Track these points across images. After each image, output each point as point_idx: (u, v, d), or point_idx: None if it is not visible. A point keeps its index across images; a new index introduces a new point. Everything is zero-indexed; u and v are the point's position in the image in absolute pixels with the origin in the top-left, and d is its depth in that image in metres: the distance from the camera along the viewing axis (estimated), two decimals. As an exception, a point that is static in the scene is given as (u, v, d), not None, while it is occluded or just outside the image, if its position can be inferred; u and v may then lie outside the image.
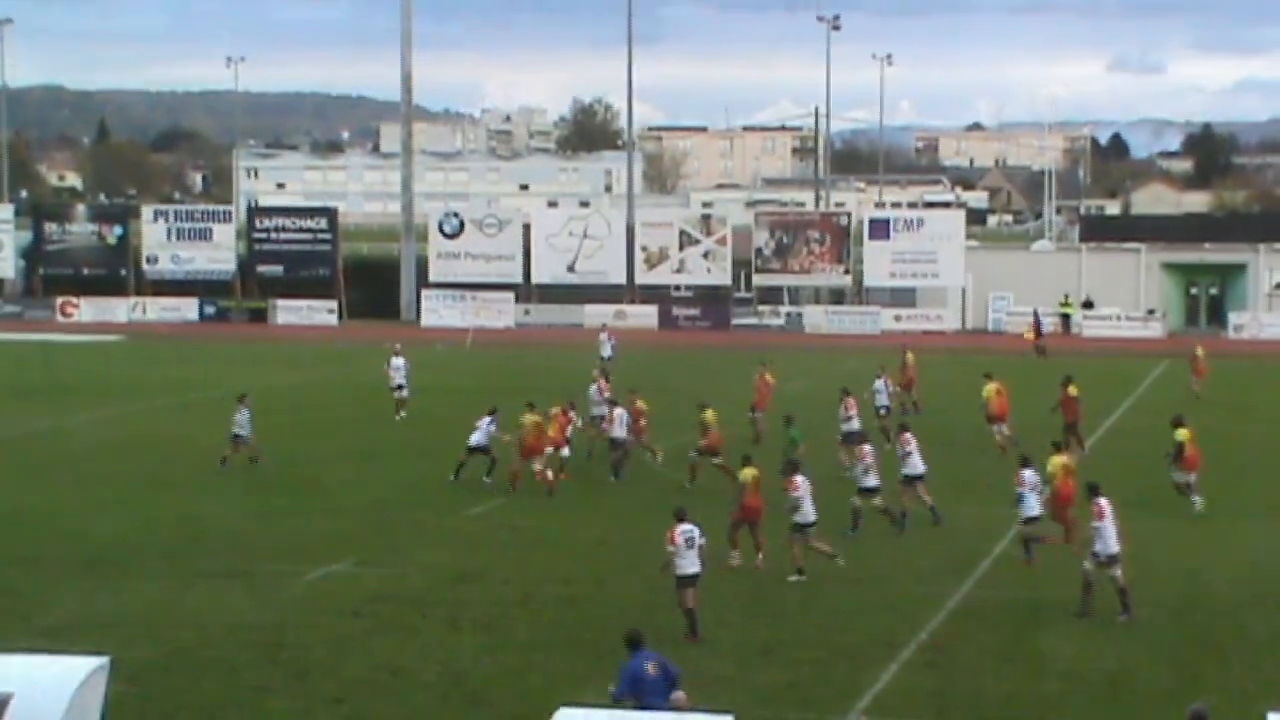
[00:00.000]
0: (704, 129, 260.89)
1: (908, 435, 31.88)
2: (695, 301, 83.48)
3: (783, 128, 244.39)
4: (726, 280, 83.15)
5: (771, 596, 25.95)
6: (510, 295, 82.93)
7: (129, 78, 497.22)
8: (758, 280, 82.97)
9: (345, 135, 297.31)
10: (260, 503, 33.71)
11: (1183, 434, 33.20)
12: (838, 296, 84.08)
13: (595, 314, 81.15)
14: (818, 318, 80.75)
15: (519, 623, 24.30)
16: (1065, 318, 78.60)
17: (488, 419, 35.69)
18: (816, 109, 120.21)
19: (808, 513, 26.83)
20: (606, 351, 55.89)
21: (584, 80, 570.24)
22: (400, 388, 46.22)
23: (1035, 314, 69.53)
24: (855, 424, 37.20)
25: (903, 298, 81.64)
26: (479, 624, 24.24)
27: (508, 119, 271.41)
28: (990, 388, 40.98)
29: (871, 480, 30.28)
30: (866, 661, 22.37)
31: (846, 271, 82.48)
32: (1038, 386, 45.32)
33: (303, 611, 24.88)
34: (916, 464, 31.39)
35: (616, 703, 16.92)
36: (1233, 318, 79.04)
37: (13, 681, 13.96)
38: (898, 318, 79.53)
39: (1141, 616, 24.81)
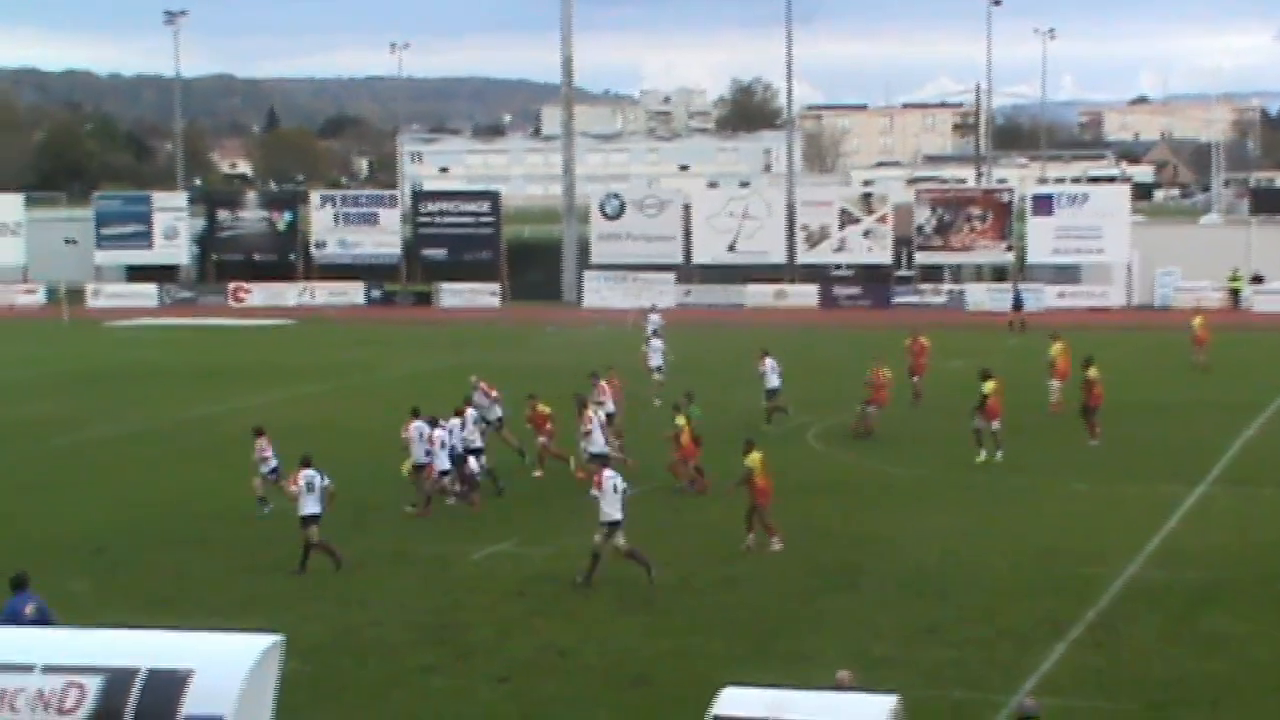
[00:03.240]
0: (863, 107, 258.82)
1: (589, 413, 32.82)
2: (856, 280, 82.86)
3: (943, 104, 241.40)
4: (887, 259, 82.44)
5: (934, 576, 25.80)
6: (671, 276, 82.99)
7: (296, 66, 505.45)
8: (919, 258, 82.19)
9: (506, 119, 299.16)
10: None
11: (989, 386, 35.09)
12: (1000, 274, 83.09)
13: (756, 294, 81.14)
14: (980, 295, 79.86)
15: (679, 605, 24.42)
16: (1234, 293, 76.97)
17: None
18: (978, 85, 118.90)
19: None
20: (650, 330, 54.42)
21: (740, 60, 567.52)
22: (659, 369, 46.46)
23: (1015, 290, 72.08)
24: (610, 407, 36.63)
25: (1067, 274, 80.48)
26: (640, 605, 24.39)
27: (667, 100, 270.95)
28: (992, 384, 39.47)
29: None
30: (1032, 642, 22.18)
31: (1009, 248, 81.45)
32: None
33: (467, 592, 25.19)
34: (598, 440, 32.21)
35: None
36: None
37: (192, 658, 14.29)
38: (1061, 295, 78.42)
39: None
